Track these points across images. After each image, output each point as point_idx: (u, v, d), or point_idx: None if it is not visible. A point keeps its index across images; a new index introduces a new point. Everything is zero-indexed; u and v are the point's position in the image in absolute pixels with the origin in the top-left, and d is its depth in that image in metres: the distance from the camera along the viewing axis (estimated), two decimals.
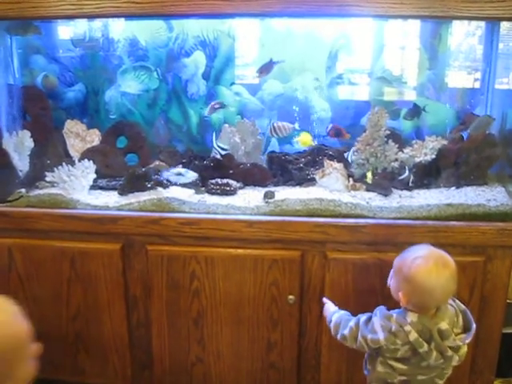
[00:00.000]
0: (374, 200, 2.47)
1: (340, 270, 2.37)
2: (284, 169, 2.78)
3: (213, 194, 2.59)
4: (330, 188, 2.55)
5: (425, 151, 2.68)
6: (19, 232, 2.55)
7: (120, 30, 3.09)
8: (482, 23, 2.82)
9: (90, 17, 2.56)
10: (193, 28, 3.02)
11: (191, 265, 2.46)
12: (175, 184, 2.59)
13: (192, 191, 2.62)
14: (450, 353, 1.84)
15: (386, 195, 2.51)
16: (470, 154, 2.60)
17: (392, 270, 1.99)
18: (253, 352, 2.56)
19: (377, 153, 2.67)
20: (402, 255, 1.95)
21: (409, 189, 2.59)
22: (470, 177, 2.61)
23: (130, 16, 2.56)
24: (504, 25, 2.68)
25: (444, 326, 1.83)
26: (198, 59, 3.08)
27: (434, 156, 2.66)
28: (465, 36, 2.94)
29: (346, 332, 1.99)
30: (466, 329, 1.92)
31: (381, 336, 1.87)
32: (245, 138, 2.84)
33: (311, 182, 2.66)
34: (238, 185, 2.65)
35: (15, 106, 2.90)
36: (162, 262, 2.47)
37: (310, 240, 2.38)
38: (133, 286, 2.55)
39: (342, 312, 2.13)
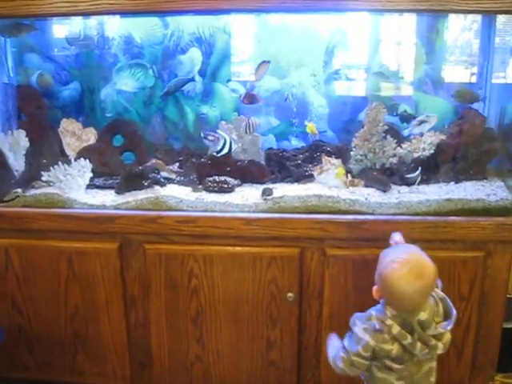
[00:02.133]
0: (373, 196, 2.45)
1: (339, 266, 2.36)
2: (282, 165, 2.76)
3: (210, 191, 2.57)
4: (329, 184, 2.54)
5: (423, 146, 2.67)
6: (16, 232, 2.54)
7: (115, 27, 3.06)
8: (479, 17, 2.80)
9: (85, 14, 2.55)
10: (188, 25, 3.00)
11: (189, 263, 2.44)
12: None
13: (189, 189, 2.61)
14: (433, 341, 1.83)
15: (384, 191, 2.49)
16: (468, 149, 2.59)
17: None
18: (252, 350, 2.55)
19: (375, 148, 2.65)
20: (388, 250, 1.93)
21: (409, 185, 2.58)
22: (470, 172, 2.60)
23: (124, 13, 2.55)
24: (500, 19, 2.67)
25: (423, 316, 1.82)
26: (194, 56, 3.05)
27: (432, 151, 2.64)
28: (462, 30, 2.92)
29: (341, 364, 1.94)
30: (446, 316, 1.91)
31: (369, 340, 1.85)
32: (241, 135, 2.82)
33: (309, 178, 2.65)
34: (236, 182, 2.64)
35: (10, 105, 2.88)
36: (160, 261, 2.45)
37: (308, 237, 2.37)
38: (131, 285, 2.54)
39: (336, 344, 2.05)
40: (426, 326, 1.82)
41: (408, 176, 2.58)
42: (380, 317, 1.86)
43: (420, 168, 2.59)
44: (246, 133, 2.80)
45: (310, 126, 2.81)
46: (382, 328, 1.84)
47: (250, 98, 2.82)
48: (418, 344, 1.82)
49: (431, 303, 1.89)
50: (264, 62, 2.72)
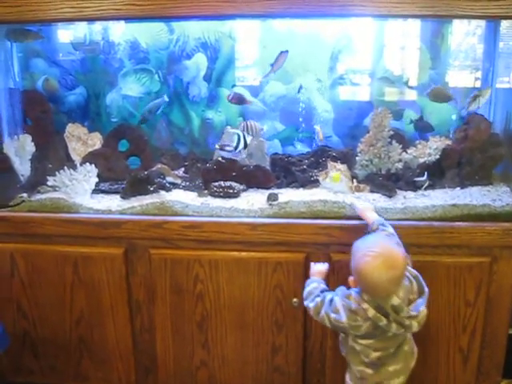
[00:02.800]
0: (379, 201, 2.45)
1: (344, 271, 2.34)
2: (287, 171, 2.76)
3: (216, 196, 2.57)
4: (334, 189, 2.54)
5: (429, 151, 2.67)
6: (21, 237, 2.54)
7: (120, 32, 3.07)
8: (483, 22, 2.80)
9: (90, 19, 2.56)
10: (194, 30, 3.01)
11: (195, 268, 2.44)
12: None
13: (195, 194, 2.61)
14: (407, 322, 1.88)
15: (390, 196, 2.49)
16: (474, 154, 2.59)
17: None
18: (258, 355, 2.54)
19: (380, 154, 2.64)
20: (359, 244, 1.97)
21: (416, 189, 2.59)
22: (475, 177, 2.59)
23: (130, 18, 2.55)
24: (504, 23, 2.66)
25: (396, 301, 1.86)
26: (200, 61, 3.06)
27: (437, 156, 2.64)
28: (468, 35, 2.92)
29: (312, 305, 2.07)
30: (420, 293, 1.96)
31: (343, 317, 1.94)
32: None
33: (315, 183, 2.64)
34: (241, 187, 2.63)
35: (16, 110, 2.88)
36: (166, 266, 2.45)
37: (314, 242, 2.37)
38: (136, 290, 2.54)
39: (322, 286, 2.16)
40: (399, 310, 1.86)
41: (416, 179, 2.58)
42: (357, 299, 1.92)
43: (427, 173, 2.58)
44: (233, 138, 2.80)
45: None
46: (357, 309, 1.91)
47: (238, 98, 2.82)
48: (394, 325, 1.87)
49: (405, 283, 1.93)
50: (282, 52, 2.70)
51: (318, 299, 2.05)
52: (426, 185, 2.57)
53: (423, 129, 2.86)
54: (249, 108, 3.07)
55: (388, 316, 1.86)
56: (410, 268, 2.00)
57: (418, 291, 1.96)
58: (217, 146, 2.71)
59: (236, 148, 2.63)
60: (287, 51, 2.70)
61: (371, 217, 2.24)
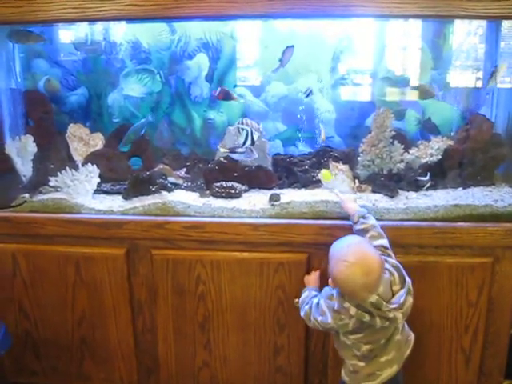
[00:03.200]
0: (381, 202, 2.45)
1: None
2: (289, 171, 2.77)
3: (218, 197, 2.57)
4: (336, 190, 2.53)
5: (430, 152, 2.66)
6: (23, 237, 2.54)
7: (122, 32, 3.07)
8: (484, 22, 2.80)
9: (93, 20, 2.55)
10: (196, 30, 3.01)
11: (197, 269, 2.44)
12: None
13: (197, 194, 2.61)
14: (391, 314, 1.89)
15: (392, 197, 2.49)
16: (476, 154, 2.59)
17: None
18: (260, 356, 2.54)
19: (382, 154, 2.64)
20: (336, 249, 1.99)
21: (417, 190, 2.59)
22: (477, 177, 2.59)
23: (132, 19, 2.54)
24: (505, 23, 2.66)
25: (373, 298, 1.87)
26: (201, 61, 3.06)
27: (439, 156, 2.64)
28: (469, 35, 2.92)
29: (303, 314, 2.16)
30: (402, 283, 1.96)
31: (329, 318, 1.98)
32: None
33: (317, 184, 2.64)
34: (243, 188, 2.63)
35: (18, 110, 2.88)
36: (167, 267, 2.45)
37: (316, 243, 2.36)
38: (138, 290, 2.54)
39: (313, 293, 2.21)
40: (378, 305, 1.87)
41: (418, 179, 2.58)
42: (339, 299, 1.95)
43: (429, 173, 2.58)
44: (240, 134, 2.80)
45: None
46: (339, 309, 1.94)
47: (225, 94, 2.82)
48: (377, 319, 1.89)
49: (386, 277, 1.93)
50: (288, 47, 2.69)
51: (307, 307, 2.12)
52: (429, 185, 2.57)
53: (431, 130, 2.85)
54: (251, 108, 3.07)
55: (370, 312, 1.88)
56: (390, 259, 2.02)
57: (401, 282, 1.96)
58: (224, 150, 2.70)
59: (243, 144, 2.62)
60: (293, 46, 2.68)
61: (352, 207, 2.24)
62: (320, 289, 2.21)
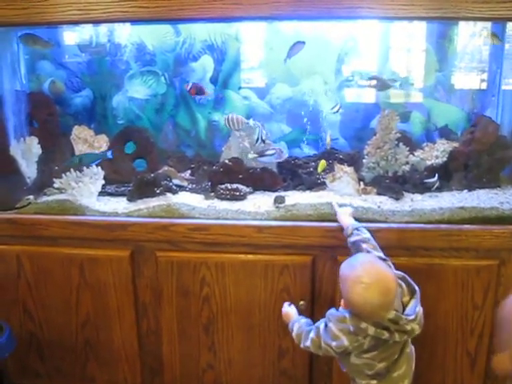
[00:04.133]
0: (386, 204, 2.44)
1: None
2: (294, 173, 2.76)
3: (222, 199, 2.57)
4: (341, 192, 2.53)
5: (436, 154, 2.66)
6: (28, 239, 2.54)
7: (127, 34, 3.07)
8: (489, 23, 2.79)
9: (97, 22, 2.55)
10: (200, 32, 3.01)
11: (201, 271, 2.44)
12: None
13: (201, 196, 2.61)
14: (409, 327, 1.85)
15: (397, 199, 2.48)
16: (481, 157, 2.58)
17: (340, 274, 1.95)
18: (264, 359, 2.54)
19: (387, 156, 2.64)
20: (348, 269, 1.89)
21: (425, 191, 2.59)
22: (483, 179, 2.58)
23: (137, 21, 2.54)
24: (510, 25, 2.66)
25: (391, 314, 1.82)
26: (206, 63, 3.06)
27: (445, 159, 2.63)
28: (475, 37, 2.91)
29: (309, 343, 2.00)
30: (411, 292, 1.93)
31: (345, 341, 1.87)
32: (254, 143, 2.81)
33: (322, 186, 2.64)
34: (248, 190, 2.63)
35: (22, 112, 2.88)
36: (172, 269, 2.45)
37: (321, 245, 2.36)
38: (142, 292, 2.54)
39: (303, 321, 2.11)
40: (397, 320, 1.83)
41: (426, 181, 2.57)
42: (354, 320, 1.87)
43: (437, 174, 2.58)
44: (230, 129, 2.80)
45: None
46: (356, 330, 1.86)
47: (197, 89, 2.83)
48: (396, 334, 1.84)
49: (398, 291, 1.90)
50: (299, 42, 2.68)
51: (312, 334, 2.00)
52: (437, 185, 2.56)
53: (448, 136, 2.83)
54: (255, 110, 3.07)
55: (388, 328, 1.84)
56: (395, 271, 1.97)
57: (409, 291, 1.93)
58: (252, 156, 2.70)
59: (256, 142, 2.62)
60: (304, 42, 2.68)
61: (346, 221, 2.21)
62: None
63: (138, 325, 2.59)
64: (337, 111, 2.71)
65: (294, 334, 2.10)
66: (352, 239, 2.11)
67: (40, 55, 3.13)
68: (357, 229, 2.13)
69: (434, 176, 2.58)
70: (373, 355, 1.91)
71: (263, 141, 2.69)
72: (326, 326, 1.96)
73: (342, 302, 1.93)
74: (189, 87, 2.84)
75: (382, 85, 2.79)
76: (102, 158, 2.69)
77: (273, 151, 2.64)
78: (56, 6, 2.36)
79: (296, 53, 2.68)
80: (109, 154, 2.70)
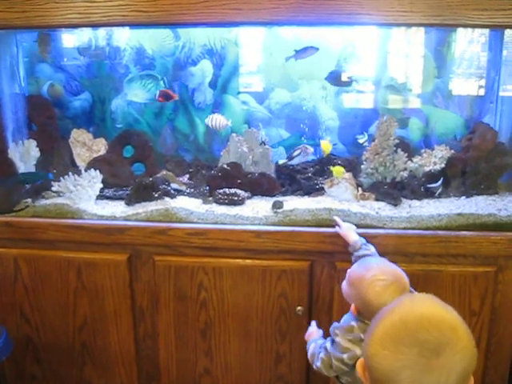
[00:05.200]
0: (384, 210, 2.44)
1: None
2: (292, 178, 2.76)
3: (220, 203, 2.57)
4: (339, 198, 2.53)
5: (434, 160, 2.66)
6: (25, 242, 2.54)
7: (126, 38, 3.08)
8: (487, 30, 2.81)
9: (97, 26, 2.57)
10: (199, 37, 3.01)
11: (199, 275, 2.43)
12: None
13: (199, 201, 2.61)
14: None
15: (395, 205, 2.48)
16: (479, 163, 2.58)
17: (347, 279, 1.90)
18: (261, 364, 2.53)
19: (386, 162, 2.64)
20: (361, 270, 1.86)
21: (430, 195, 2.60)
22: (481, 186, 2.59)
23: (137, 25, 2.55)
24: (508, 31, 2.67)
25: None
26: (205, 68, 3.06)
27: (443, 165, 2.64)
28: (472, 44, 2.92)
29: (319, 364, 1.95)
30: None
31: (357, 350, 1.82)
32: (252, 148, 2.81)
33: (320, 191, 2.64)
34: (246, 195, 2.63)
35: (21, 115, 2.88)
36: (170, 273, 2.45)
37: (319, 250, 2.36)
38: (140, 296, 2.53)
39: (320, 342, 2.05)
40: None
41: (429, 186, 2.57)
42: (363, 327, 1.83)
43: (442, 179, 2.58)
44: (213, 130, 2.86)
45: (324, 146, 2.78)
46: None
47: (164, 95, 2.89)
48: None
49: None
50: (312, 47, 2.71)
51: (322, 354, 1.95)
52: (440, 190, 2.57)
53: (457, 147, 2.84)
54: (254, 115, 3.08)
55: None
56: None
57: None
58: (283, 161, 2.70)
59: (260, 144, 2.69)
60: (317, 48, 2.70)
61: (354, 236, 2.20)
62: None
63: (135, 329, 2.58)
64: (363, 143, 2.70)
65: (308, 355, 2.07)
66: (361, 253, 2.10)
67: (39, 58, 3.13)
68: (364, 244, 2.14)
69: (438, 181, 2.58)
70: None
71: (263, 142, 2.70)
72: (332, 342, 1.92)
73: (353, 306, 1.89)
74: (157, 96, 2.89)
75: (340, 81, 2.81)
76: (43, 179, 2.70)
77: (298, 151, 2.65)
78: (56, 9, 2.36)
79: (305, 57, 2.70)
80: (50, 175, 2.69)
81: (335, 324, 1.94)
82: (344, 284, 1.94)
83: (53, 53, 3.12)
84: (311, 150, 2.75)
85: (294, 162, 2.72)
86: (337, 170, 2.60)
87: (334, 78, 2.79)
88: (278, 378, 2.54)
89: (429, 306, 1.26)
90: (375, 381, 1.20)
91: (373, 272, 1.81)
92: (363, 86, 3.03)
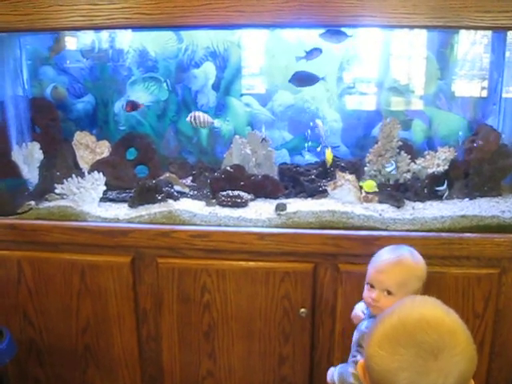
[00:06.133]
0: (387, 212, 2.44)
1: (352, 282, 2.34)
2: (296, 180, 2.76)
3: (224, 206, 2.57)
4: (343, 200, 2.53)
5: (437, 162, 2.66)
6: (29, 245, 2.54)
7: (129, 40, 3.08)
8: (489, 32, 2.81)
9: (101, 28, 2.57)
10: (203, 39, 3.02)
11: (202, 278, 2.43)
12: None
13: (203, 203, 2.61)
14: None
15: (398, 207, 2.48)
16: (483, 165, 2.58)
17: (394, 284, 1.85)
18: (264, 366, 2.53)
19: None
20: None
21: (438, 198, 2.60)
22: (484, 188, 2.58)
23: (140, 27, 2.54)
24: (510, 33, 2.68)
25: None
26: (208, 70, 3.07)
27: (446, 167, 2.64)
28: (475, 45, 2.92)
29: (352, 380, 1.87)
30: None
31: None
32: (255, 150, 2.82)
33: (323, 193, 2.64)
34: (250, 197, 2.63)
35: (24, 117, 2.89)
36: (173, 275, 2.45)
37: (322, 252, 2.36)
38: (143, 299, 2.53)
39: (339, 365, 2.01)
40: None
41: (437, 189, 2.57)
42: None
43: (446, 181, 2.58)
44: (195, 127, 2.89)
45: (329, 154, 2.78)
46: None
47: (132, 105, 2.92)
48: None
49: None
50: (318, 49, 2.71)
51: (352, 370, 1.85)
52: (447, 193, 2.57)
53: None
54: (257, 117, 3.08)
55: None
56: None
57: None
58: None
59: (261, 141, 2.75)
60: (321, 50, 2.71)
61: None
62: None
63: (138, 331, 2.58)
64: (391, 171, 2.70)
65: (336, 382, 1.96)
66: None
67: (42, 60, 3.14)
68: None
69: (444, 184, 2.58)
70: None
71: (264, 139, 2.74)
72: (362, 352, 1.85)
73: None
74: (124, 106, 2.93)
75: (309, 79, 2.80)
76: (21, 185, 2.71)
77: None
78: (59, 12, 2.37)
79: (313, 58, 2.70)
80: (27, 181, 2.72)
81: (358, 335, 1.91)
82: (372, 292, 1.88)
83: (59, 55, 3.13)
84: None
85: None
86: (368, 185, 2.59)
87: (298, 80, 2.78)
88: (281, 380, 2.54)
89: (429, 308, 1.25)
90: (374, 382, 1.20)
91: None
92: (366, 88, 3.04)
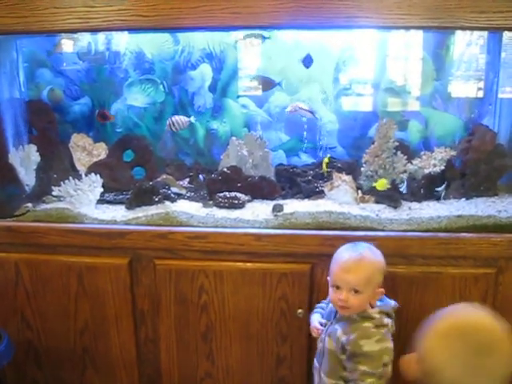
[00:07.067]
0: (384, 212, 2.45)
1: None
2: (292, 181, 2.77)
3: (221, 207, 2.57)
4: (339, 201, 2.53)
5: (434, 162, 2.67)
6: (26, 247, 2.54)
7: (126, 42, 3.08)
8: (485, 32, 2.82)
9: (97, 30, 2.57)
10: (199, 41, 3.02)
11: (199, 279, 2.44)
12: None
13: (200, 205, 2.61)
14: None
15: (395, 207, 2.49)
16: (479, 165, 2.58)
17: (361, 282, 1.90)
18: (262, 367, 2.53)
19: (385, 164, 2.65)
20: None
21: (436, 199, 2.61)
22: (480, 188, 2.59)
23: (137, 29, 2.55)
24: (506, 34, 2.68)
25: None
26: (205, 72, 3.07)
27: (442, 167, 2.64)
28: (471, 46, 2.93)
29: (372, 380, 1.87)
30: None
31: (388, 344, 1.89)
32: (252, 151, 2.82)
33: (320, 194, 2.64)
34: (246, 198, 2.63)
35: (21, 120, 2.89)
36: (170, 277, 2.45)
37: (319, 253, 2.36)
38: (141, 300, 2.53)
39: None
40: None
41: (437, 189, 2.58)
42: (377, 323, 1.90)
43: (446, 182, 2.59)
44: (172, 131, 2.92)
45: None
46: (385, 331, 1.90)
47: (102, 115, 3.02)
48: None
49: None
50: (308, 55, 2.77)
51: (367, 379, 1.85)
52: (444, 193, 2.57)
53: None
54: (254, 118, 3.09)
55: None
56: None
57: None
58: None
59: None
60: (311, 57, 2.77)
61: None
62: None
63: (136, 333, 2.58)
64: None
65: None
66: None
67: (39, 63, 3.14)
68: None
69: (443, 184, 2.59)
70: None
71: (259, 138, 2.80)
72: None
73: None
74: (96, 115, 3.02)
75: (265, 84, 2.82)
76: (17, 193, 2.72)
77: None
78: (56, 14, 2.37)
79: (310, 63, 2.73)
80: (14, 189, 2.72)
81: (346, 339, 1.93)
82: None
83: (55, 56, 3.13)
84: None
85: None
86: (380, 184, 2.59)
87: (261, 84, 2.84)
88: (279, 381, 2.54)
89: (484, 315, 1.54)
90: (427, 372, 1.44)
91: None
92: (362, 89, 3.04)
